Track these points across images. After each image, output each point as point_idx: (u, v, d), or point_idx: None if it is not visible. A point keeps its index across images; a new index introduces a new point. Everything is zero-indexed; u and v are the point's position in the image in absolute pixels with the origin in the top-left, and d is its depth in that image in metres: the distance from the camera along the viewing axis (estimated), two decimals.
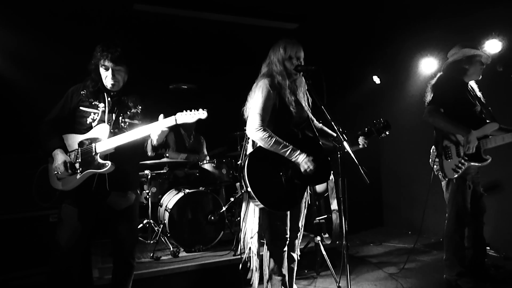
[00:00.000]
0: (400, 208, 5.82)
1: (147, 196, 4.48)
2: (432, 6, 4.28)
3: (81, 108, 2.55)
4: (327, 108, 2.41)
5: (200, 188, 4.38)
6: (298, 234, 2.81)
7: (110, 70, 2.51)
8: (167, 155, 4.66)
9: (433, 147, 3.40)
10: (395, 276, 3.72)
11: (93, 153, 2.47)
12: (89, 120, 2.54)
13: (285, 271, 2.67)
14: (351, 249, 4.66)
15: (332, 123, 2.37)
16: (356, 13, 4.68)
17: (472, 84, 3.37)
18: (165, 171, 4.74)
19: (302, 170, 2.47)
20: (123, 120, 2.61)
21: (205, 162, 4.66)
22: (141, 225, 4.44)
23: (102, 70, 2.53)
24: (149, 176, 4.52)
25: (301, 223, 2.81)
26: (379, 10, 4.57)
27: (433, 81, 3.36)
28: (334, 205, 4.15)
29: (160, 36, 5.06)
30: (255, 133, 2.49)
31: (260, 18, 4.73)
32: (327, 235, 4.23)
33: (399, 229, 5.71)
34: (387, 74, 5.75)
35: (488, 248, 3.98)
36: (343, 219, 2.46)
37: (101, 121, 2.54)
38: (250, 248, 2.65)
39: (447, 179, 3.29)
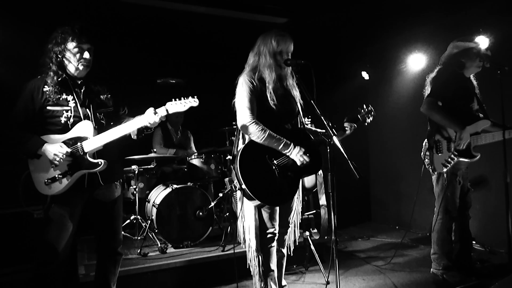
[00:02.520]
0: (388, 204, 5.87)
1: (134, 192, 4.42)
2: (420, 2, 4.29)
3: (48, 108, 2.34)
4: (316, 103, 2.40)
5: (188, 183, 4.33)
6: (288, 230, 2.80)
7: (86, 52, 2.36)
8: (155, 150, 4.60)
9: (425, 140, 3.42)
10: (383, 270, 3.75)
11: (81, 153, 2.37)
12: (63, 119, 2.37)
13: (274, 266, 2.66)
14: (339, 244, 4.67)
15: (322, 117, 2.36)
16: (345, 9, 4.67)
17: (473, 79, 3.37)
18: (152, 166, 4.68)
19: (298, 163, 2.47)
20: (98, 111, 2.49)
21: (193, 157, 4.62)
22: (128, 221, 4.38)
23: (75, 52, 2.34)
24: (136, 172, 4.45)
25: (292, 219, 2.79)
26: (367, 6, 4.57)
27: (433, 74, 3.36)
28: (322, 200, 4.16)
29: (148, 29, 4.97)
30: (247, 127, 2.46)
31: (249, 12, 4.69)
32: (315, 230, 4.26)
33: (387, 224, 5.76)
34: (376, 70, 5.77)
35: (474, 242, 4.03)
36: (331, 214, 2.46)
37: (76, 117, 2.39)
38: (249, 244, 2.64)
39: (437, 173, 3.31)
